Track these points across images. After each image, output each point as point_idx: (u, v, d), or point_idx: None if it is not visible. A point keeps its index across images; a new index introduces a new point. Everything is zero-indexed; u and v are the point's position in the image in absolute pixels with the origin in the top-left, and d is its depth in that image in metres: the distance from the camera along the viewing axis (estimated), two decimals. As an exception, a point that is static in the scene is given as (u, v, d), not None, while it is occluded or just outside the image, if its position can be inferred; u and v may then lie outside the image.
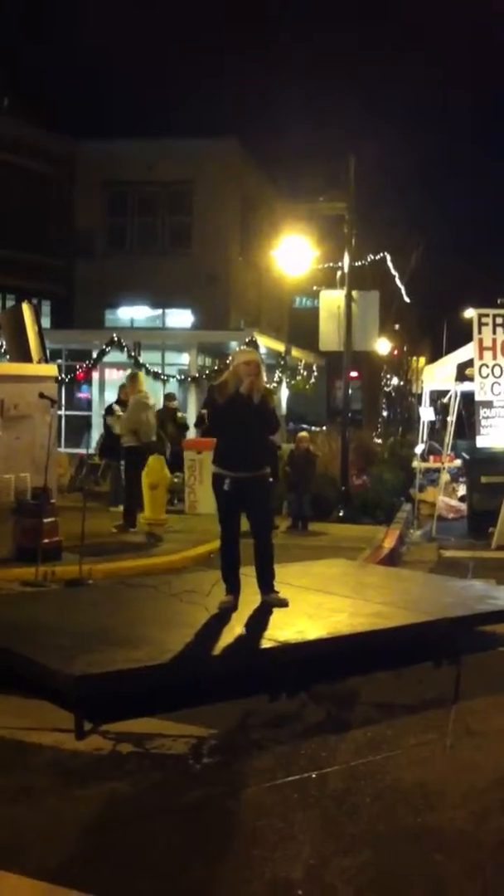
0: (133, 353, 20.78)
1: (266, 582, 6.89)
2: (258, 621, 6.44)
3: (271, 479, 7.84)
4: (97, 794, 4.38)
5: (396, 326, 35.36)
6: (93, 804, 4.29)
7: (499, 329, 12.89)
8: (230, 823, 4.13)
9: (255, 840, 3.94)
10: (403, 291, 33.38)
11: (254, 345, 20.69)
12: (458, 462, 17.17)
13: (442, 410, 18.81)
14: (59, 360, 21.07)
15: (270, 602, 6.79)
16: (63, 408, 19.78)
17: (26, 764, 4.72)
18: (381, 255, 27.66)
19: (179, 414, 17.08)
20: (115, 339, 20.43)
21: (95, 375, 22.15)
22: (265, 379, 7.05)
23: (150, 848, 3.89)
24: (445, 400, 16.74)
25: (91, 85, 39.31)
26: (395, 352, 36.46)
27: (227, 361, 6.95)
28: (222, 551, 7.00)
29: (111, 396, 18.18)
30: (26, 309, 10.99)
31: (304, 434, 14.38)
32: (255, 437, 6.86)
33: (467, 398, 14.08)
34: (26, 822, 4.10)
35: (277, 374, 22.44)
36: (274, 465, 11.30)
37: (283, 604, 6.78)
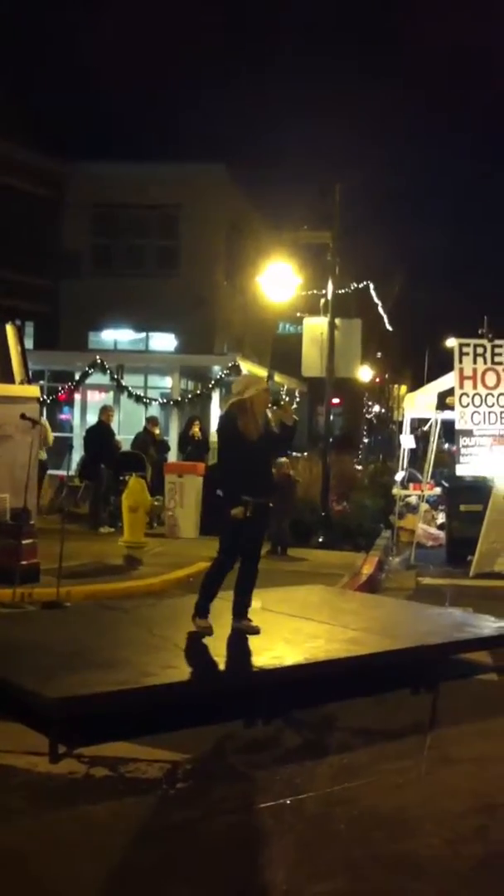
0: (116, 376, 20.79)
1: (242, 608, 6.85)
2: (236, 646, 6.42)
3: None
4: (71, 818, 4.35)
5: (378, 354, 35.61)
6: (66, 828, 4.25)
7: (479, 359, 13.02)
8: (204, 849, 4.10)
9: (228, 866, 3.92)
10: (386, 320, 33.66)
11: (236, 370, 20.76)
12: (437, 490, 17.24)
13: (422, 438, 18.89)
14: (42, 381, 21.04)
15: (242, 629, 6.76)
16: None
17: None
18: (365, 283, 27.90)
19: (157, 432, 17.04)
20: (99, 361, 20.43)
21: (77, 397, 22.14)
22: None
23: (122, 873, 3.86)
24: (426, 428, 16.83)
25: (82, 108, 39.60)
26: (377, 379, 36.70)
27: (237, 389, 6.90)
28: (216, 577, 6.86)
29: (92, 418, 18.17)
30: (10, 329, 10.98)
31: (283, 459, 14.34)
32: (268, 463, 7.17)
33: (447, 426, 14.18)
34: (-1, 844, 4.06)
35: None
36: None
37: (255, 631, 6.74)
